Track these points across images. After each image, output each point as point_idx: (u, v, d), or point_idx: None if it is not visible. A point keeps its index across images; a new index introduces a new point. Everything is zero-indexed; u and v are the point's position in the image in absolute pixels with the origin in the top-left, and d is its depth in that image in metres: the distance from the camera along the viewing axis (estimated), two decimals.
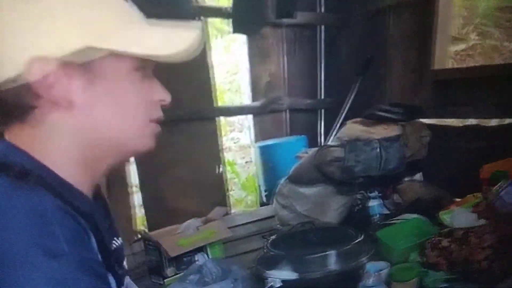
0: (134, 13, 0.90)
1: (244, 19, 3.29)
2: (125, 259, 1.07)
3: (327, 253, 2.08)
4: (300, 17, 3.63)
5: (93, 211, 0.86)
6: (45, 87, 0.80)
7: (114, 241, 0.99)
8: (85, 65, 0.82)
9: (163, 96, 0.94)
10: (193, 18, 3.18)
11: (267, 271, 2.10)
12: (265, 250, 2.26)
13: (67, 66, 0.80)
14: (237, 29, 3.40)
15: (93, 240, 0.83)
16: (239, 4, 3.24)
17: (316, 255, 2.08)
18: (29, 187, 0.76)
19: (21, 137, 0.84)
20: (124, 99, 0.87)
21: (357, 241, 2.17)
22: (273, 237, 2.43)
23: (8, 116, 0.84)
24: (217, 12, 3.63)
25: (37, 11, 0.80)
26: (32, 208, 0.73)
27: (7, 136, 0.86)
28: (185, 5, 3.10)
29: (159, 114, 0.95)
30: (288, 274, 2.06)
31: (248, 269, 2.28)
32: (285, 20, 3.59)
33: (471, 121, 3.23)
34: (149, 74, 0.92)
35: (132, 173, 3.24)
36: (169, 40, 0.86)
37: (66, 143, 0.85)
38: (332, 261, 2.07)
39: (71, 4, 0.81)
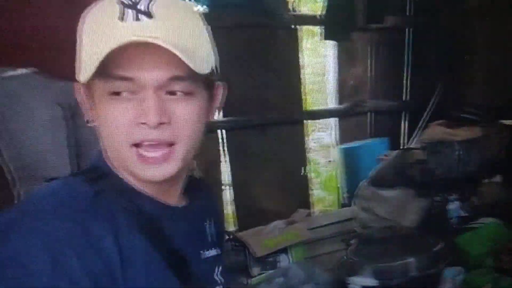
0: (121, 31, 0.82)
1: (335, 25, 3.36)
2: (219, 270, 1.06)
3: (406, 261, 2.14)
4: (388, 21, 3.67)
5: (156, 211, 0.91)
6: (82, 106, 0.91)
7: (203, 252, 1.01)
8: (88, 88, 0.87)
9: (144, 118, 0.83)
10: (288, 27, 3.30)
11: (348, 277, 2.19)
12: (345, 257, 2.33)
13: (84, 89, 0.88)
14: (328, 36, 3.47)
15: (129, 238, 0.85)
16: (332, 11, 3.31)
17: (396, 263, 2.15)
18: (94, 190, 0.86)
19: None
20: (104, 122, 0.86)
21: (436, 249, 2.22)
22: (353, 243, 2.48)
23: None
24: (311, 20, 3.70)
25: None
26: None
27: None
28: (280, 15, 3.18)
29: (143, 137, 0.85)
30: (368, 281, 2.14)
31: (327, 270, 2.38)
32: (374, 24, 3.63)
33: None
34: (144, 94, 0.84)
35: (225, 172, 3.32)
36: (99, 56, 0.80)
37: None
38: (411, 268, 2.13)
39: (81, 32, 0.87)
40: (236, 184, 3.33)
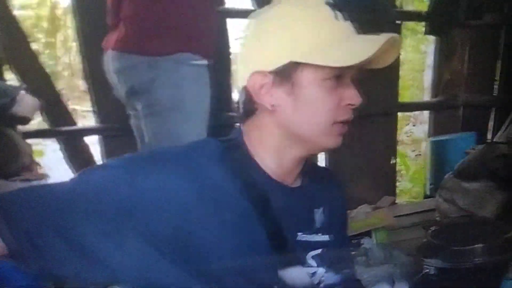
0: (339, 30, 1.01)
1: (438, 21, 3.49)
2: (314, 254, 1.12)
3: (476, 246, 2.26)
4: (486, 18, 3.70)
5: (268, 187, 1.05)
6: (260, 95, 1.01)
7: (301, 234, 1.10)
8: (287, 76, 0.99)
9: (353, 100, 1.02)
10: (393, 22, 3.44)
11: (425, 259, 2.30)
12: (425, 240, 2.48)
13: (276, 77, 0.99)
14: (430, 31, 3.61)
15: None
16: (435, 7, 3.44)
17: (467, 247, 2.27)
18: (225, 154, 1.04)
19: (249, 128, 1.09)
20: (315, 104, 1.00)
21: (507, 236, 2.33)
22: (434, 227, 2.57)
23: (244, 115, 1.09)
24: (415, 15, 3.90)
25: (256, 34, 1.04)
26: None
27: (244, 126, 1.10)
28: (387, 11, 3.30)
29: (347, 116, 1.04)
30: (442, 263, 2.24)
31: (408, 255, 2.52)
32: (472, 21, 3.69)
33: None
34: (345, 80, 1.02)
35: (322, 158, 3.54)
36: (356, 52, 0.96)
37: (269, 135, 1.05)
38: (481, 253, 2.22)
39: (284, 26, 0.99)
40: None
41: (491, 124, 4.14)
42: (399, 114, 4.71)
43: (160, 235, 0.93)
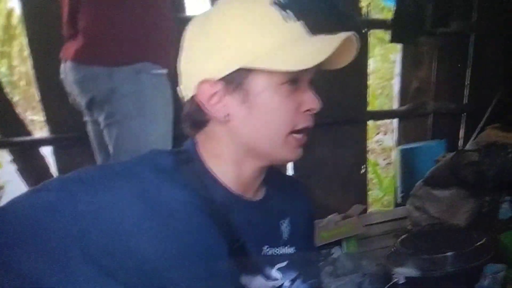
0: (290, 30, 0.96)
1: (403, 29, 3.43)
2: (280, 266, 1.08)
3: (447, 254, 2.23)
4: (453, 26, 3.70)
5: (228, 202, 0.99)
6: (210, 105, 0.95)
7: (265, 248, 1.05)
8: (239, 83, 0.93)
9: (312, 105, 0.98)
10: (359, 31, 3.38)
11: (394, 268, 2.29)
12: (393, 249, 2.45)
13: (226, 85, 0.93)
14: (395, 38, 3.55)
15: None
16: (400, 15, 3.39)
17: (437, 256, 2.25)
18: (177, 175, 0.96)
19: (202, 139, 1.02)
20: (272, 111, 0.94)
21: (478, 244, 2.30)
22: (403, 236, 2.58)
23: (192, 127, 1.03)
24: (381, 24, 3.85)
25: (201, 40, 0.96)
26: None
27: (197, 137, 1.04)
28: (352, 19, 3.27)
29: (307, 123, 0.99)
30: (412, 271, 2.22)
31: (377, 265, 2.48)
32: (440, 29, 3.65)
33: None
34: (302, 84, 0.97)
35: (290, 167, 3.42)
36: (313, 53, 0.91)
37: (224, 147, 0.99)
38: (452, 261, 2.21)
39: (230, 31, 0.93)
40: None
41: (462, 131, 4.12)
42: (370, 123, 4.69)
43: (111, 260, 0.85)
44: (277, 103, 0.94)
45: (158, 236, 0.89)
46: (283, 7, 0.96)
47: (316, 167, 3.40)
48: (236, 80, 0.93)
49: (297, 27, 0.97)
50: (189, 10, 3.05)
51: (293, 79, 0.94)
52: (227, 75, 0.92)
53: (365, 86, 3.71)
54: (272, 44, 0.92)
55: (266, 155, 1.00)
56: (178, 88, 1.03)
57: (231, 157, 0.99)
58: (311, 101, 0.98)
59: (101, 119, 1.98)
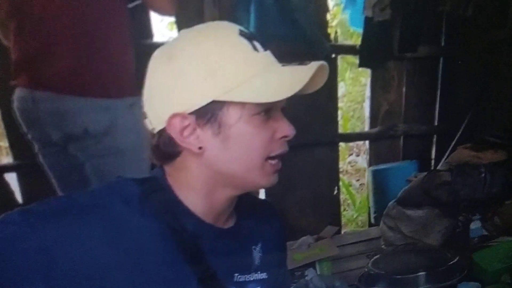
0: (261, 61, 0.95)
1: (371, 54, 3.46)
2: None
3: (420, 273, 2.22)
4: (422, 50, 3.73)
5: (199, 231, 0.98)
6: (182, 138, 0.93)
7: (238, 275, 1.05)
8: (211, 116, 0.92)
9: (286, 132, 0.97)
10: (328, 56, 3.37)
11: None
12: (365, 269, 2.43)
13: (198, 118, 0.92)
14: (363, 63, 3.58)
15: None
16: (367, 41, 3.42)
17: (410, 276, 2.23)
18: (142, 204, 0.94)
19: (172, 169, 1.00)
20: (246, 142, 0.94)
21: (451, 263, 2.30)
22: (376, 256, 2.58)
23: (162, 158, 1.01)
24: (349, 49, 3.88)
25: (170, 73, 0.93)
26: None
27: (166, 167, 1.02)
28: (321, 45, 3.26)
29: (281, 149, 0.99)
30: None
31: (350, 286, 2.45)
32: (408, 53, 3.72)
33: None
34: (275, 113, 0.97)
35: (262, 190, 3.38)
36: (287, 84, 0.91)
37: (195, 178, 0.97)
38: (425, 281, 2.21)
39: (200, 64, 0.90)
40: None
41: (434, 152, 4.15)
42: (342, 144, 4.71)
43: None
44: (251, 134, 0.93)
45: (127, 268, 0.88)
46: (249, 37, 0.95)
47: (289, 189, 3.39)
48: (209, 112, 0.92)
49: (267, 57, 0.97)
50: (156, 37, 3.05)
51: (267, 109, 0.93)
52: (199, 108, 0.91)
53: (335, 109, 3.73)
54: (245, 75, 0.91)
55: (242, 183, 0.99)
56: (145, 121, 1.00)
57: (202, 187, 0.98)
58: (285, 128, 0.97)
59: (85, 151, 1.97)
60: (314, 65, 0.92)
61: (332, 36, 3.57)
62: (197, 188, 0.98)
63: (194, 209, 0.98)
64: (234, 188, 1.00)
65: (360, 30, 3.47)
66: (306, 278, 2.60)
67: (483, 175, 2.94)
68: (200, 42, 0.93)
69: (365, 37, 3.41)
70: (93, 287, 0.85)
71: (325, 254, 2.87)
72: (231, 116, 0.91)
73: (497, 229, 2.89)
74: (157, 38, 3.05)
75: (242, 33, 0.95)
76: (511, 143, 3.12)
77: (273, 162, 0.98)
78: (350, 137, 4.48)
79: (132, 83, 1.94)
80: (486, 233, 2.90)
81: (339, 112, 5.26)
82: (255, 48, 0.94)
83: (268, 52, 0.98)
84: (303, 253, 2.87)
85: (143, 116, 1.01)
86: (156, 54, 0.98)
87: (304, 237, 3.05)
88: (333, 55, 3.51)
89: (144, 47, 2.35)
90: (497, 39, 3.68)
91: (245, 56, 0.93)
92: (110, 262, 0.86)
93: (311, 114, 3.29)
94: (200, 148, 0.93)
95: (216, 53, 0.91)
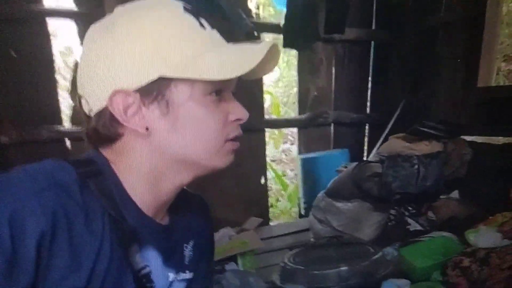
0: (209, 38, 0.92)
1: (295, 34, 3.28)
2: None
3: (341, 269, 2.10)
4: (351, 33, 3.63)
5: (139, 225, 0.92)
6: (126, 118, 0.87)
7: (172, 274, 1.02)
8: (158, 94, 0.87)
9: (240, 115, 0.97)
10: (249, 34, 3.21)
11: (282, 285, 2.13)
12: (282, 264, 2.28)
13: (144, 96, 0.87)
14: (288, 43, 3.37)
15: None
16: (290, 19, 3.24)
17: (330, 271, 2.10)
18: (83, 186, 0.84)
19: (112, 153, 0.93)
20: (199, 123, 0.90)
21: (374, 258, 2.17)
22: (295, 250, 2.44)
23: (100, 142, 0.93)
24: (273, 28, 3.61)
25: (112, 47, 0.87)
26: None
27: (106, 151, 0.95)
28: (240, 21, 3.09)
29: (236, 133, 0.98)
30: None
31: (266, 282, 2.31)
32: (337, 36, 3.60)
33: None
34: (227, 95, 0.95)
35: None
36: (238, 62, 0.87)
37: (141, 162, 0.92)
38: (347, 276, 2.09)
39: (144, 38, 0.86)
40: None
41: (365, 141, 4.06)
42: (276, 132, 4.53)
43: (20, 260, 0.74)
44: (203, 115, 0.90)
45: (63, 257, 0.78)
46: (195, 14, 0.92)
47: (211, 178, 3.16)
48: (155, 90, 0.87)
49: (214, 35, 0.94)
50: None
51: (218, 90, 0.91)
52: (144, 85, 0.86)
53: (261, 93, 3.56)
54: (193, 51, 0.87)
55: (195, 167, 0.95)
56: (81, 102, 0.92)
57: (148, 173, 0.93)
58: (238, 111, 0.97)
59: None
60: (267, 44, 0.88)
61: (253, 12, 3.40)
62: (142, 174, 0.92)
63: (137, 199, 0.93)
64: (186, 172, 0.95)
65: (284, 8, 3.29)
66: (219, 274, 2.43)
67: (416, 167, 2.83)
68: (143, 16, 0.88)
69: (289, 15, 3.23)
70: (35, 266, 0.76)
71: (248, 247, 2.72)
72: (179, 94, 0.88)
73: (431, 224, 2.82)
74: None
75: (186, 9, 0.91)
76: (447, 134, 3.01)
77: (234, 142, 0.98)
78: (277, 124, 4.24)
79: None
80: (420, 228, 2.82)
81: (269, 97, 5.12)
82: (201, 25, 0.91)
83: (215, 31, 0.95)
84: (223, 246, 2.69)
85: (77, 98, 0.94)
86: (94, 26, 0.93)
87: (223, 229, 2.86)
88: (256, 33, 3.33)
89: None
90: (431, 25, 3.61)
91: (191, 32, 0.89)
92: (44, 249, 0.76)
93: (236, 97, 3.09)
94: (147, 129, 0.88)
95: (161, 28, 0.87)
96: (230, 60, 0.88)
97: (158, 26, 0.87)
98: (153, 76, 0.86)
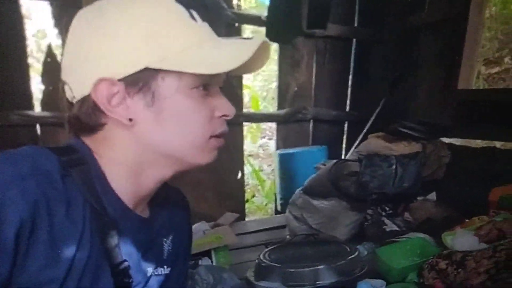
0: (199, 31, 0.91)
1: (277, 27, 3.27)
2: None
3: (317, 267, 2.07)
4: (333, 30, 3.61)
5: (119, 216, 0.91)
6: (110, 107, 0.86)
7: (151, 269, 1.02)
8: (144, 85, 0.86)
9: (226, 111, 0.95)
10: (230, 25, 3.19)
11: (257, 282, 2.10)
12: (257, 261, 2.25)
13: (129, 86, 0.85)
14: (269, 36, 3.28)
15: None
16: (274, 12, 3.22)
17: (306, 269, 2.07)
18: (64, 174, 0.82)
19: (95, 143, 0.91)
20: (184, 117, 0.89)
21: (350, 257, 2.15)
22: (270, 247, 2.41)
23: (82, 130, 0.91)
24: (254, 19, 3.53)
25: (100, 35, 0.85)
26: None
27: (87, 140, 0.93)
28: (219, 10, 3.06)
29: (222, 129, 0.96)
30: (276, 285, 2.05)
31: (240, 279, 2.27)
32: (318, 32, 3.56)
33: (492, 143, 3.11)
34: (214, 90, 0.94)
35: None
36: (228, 57, 0.86)
37: (124, 153, 0.90)
38: (322, 275, 2.06)
39: (134, 27, 0.85)
40: None
41: (345, 138, 4.03)
42: (254, 126, 4.48)
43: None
44: (189, 108, 0.89)
45: (42, 247, 0.77)
46: (186, 5, 0.91)
47: (189, 170, 3.12)
48: (141, 81, 0.86)
49: (205, 28, 0.93)
50: None
51: (205, 84, 0.90)
52: (130, 75, 0.85)
53: (240, 86, 3.50)
54: (182, 44, 0.87)
55: (178, 161, 0.94)
56: (64, 88, 0.90)
57: (130, 165, 0.92)
58: (225, 107, 0.95)
59: None
60: (257, 39, 0.88)
61: (234, 3, 3.33)
62: (123, 165, 0.91)
63: (117, 190, 0.91)
64: (168, 167, 0.95)
65: (265, 1, 3.28)
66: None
67: (393, 167, 2.82)
68: (133, 4, 0.87)
69: (272, 7, 3.22)
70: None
71: (222, 242, 2.66)
72: (166, 87, 0.86)
73: (408, 225, 2.80)
74: None
75: (178, 0, 0.90)
76: (426, 135, 3.00)
77: (218, 139, 0.96)
78: (255, 118, 4.18)
79: None
80: (396, 228, 2.79)
81: (248, 91, 5.07)
82: (193, 17, 0.90)
83: (206, 24, 0.94)
84: (196, 241, 2.62)
85: (60, 84, 0.92)
86: (83, 12, 0.91)
87: (197, 224, 2.82)
88: (236, 24, 3.28)
89: None
90: (414, 25, 3.60)
91: (182, 24, 0.88)
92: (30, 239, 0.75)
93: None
94: (130, 120, 0.87)
95: (151, 18, 0.86)
96: (220, 54, 0.88)
97: (148, 15, 0.86)
98: (140, 66, 0.84)
